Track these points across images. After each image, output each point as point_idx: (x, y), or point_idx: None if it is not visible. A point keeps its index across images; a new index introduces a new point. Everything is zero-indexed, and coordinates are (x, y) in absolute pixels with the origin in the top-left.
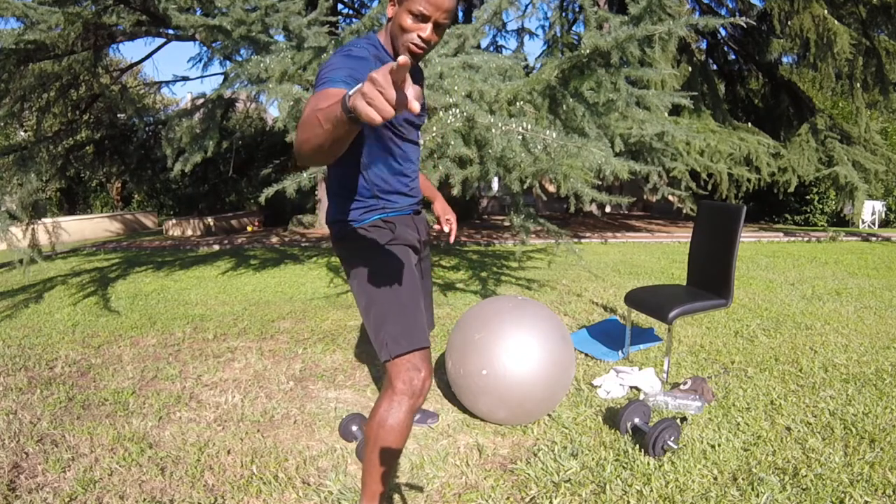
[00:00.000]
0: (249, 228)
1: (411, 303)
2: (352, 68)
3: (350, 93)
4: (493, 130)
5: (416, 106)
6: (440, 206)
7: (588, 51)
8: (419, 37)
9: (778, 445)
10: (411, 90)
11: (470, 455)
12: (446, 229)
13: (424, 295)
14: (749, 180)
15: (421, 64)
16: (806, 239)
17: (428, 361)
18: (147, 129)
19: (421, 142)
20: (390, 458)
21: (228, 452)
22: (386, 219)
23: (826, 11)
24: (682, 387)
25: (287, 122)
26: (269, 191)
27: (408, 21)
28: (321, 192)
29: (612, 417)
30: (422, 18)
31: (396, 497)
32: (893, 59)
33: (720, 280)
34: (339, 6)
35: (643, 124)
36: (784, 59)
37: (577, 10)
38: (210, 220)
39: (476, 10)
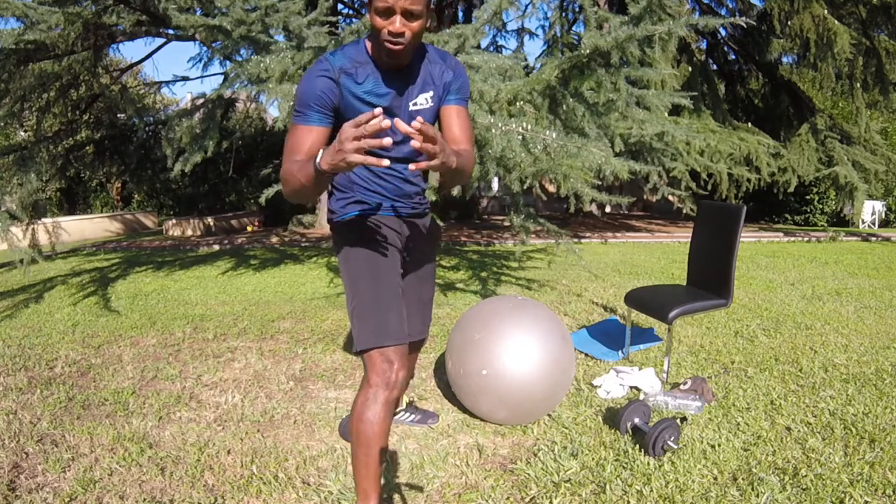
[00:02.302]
0: (249, 228)
1: (388, 298)
2: (320, 92)
3: (318, 159)
4: (493, 130)
5: (387, 142)
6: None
7: (588, 51)
8: (388, 31)
9: (778, 445)
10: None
11: (470, 455)
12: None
13: (422, 299)
14: (749, 180)
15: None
16: (806, 239)
17: (402, 356)
18: (147, 129)
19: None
20: (374, 452)
21: (228, 452)
22: (363, 215)
23: (826, 11)
24: (682, 387)
25: (287, 122)
26: (270, 191)
27: (377, 20)
28: None
29: (612, 417)
30: (386, 12)
31: (396, 497)
32: (893, 59)
33: (720, 280)
34: (339, 6)
35: (643, 124)
36: (784, 59)
37: (577, 10)
38: (210, 220)
39: (476, 10)
